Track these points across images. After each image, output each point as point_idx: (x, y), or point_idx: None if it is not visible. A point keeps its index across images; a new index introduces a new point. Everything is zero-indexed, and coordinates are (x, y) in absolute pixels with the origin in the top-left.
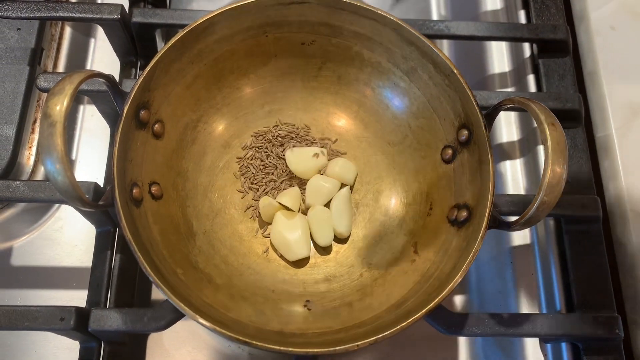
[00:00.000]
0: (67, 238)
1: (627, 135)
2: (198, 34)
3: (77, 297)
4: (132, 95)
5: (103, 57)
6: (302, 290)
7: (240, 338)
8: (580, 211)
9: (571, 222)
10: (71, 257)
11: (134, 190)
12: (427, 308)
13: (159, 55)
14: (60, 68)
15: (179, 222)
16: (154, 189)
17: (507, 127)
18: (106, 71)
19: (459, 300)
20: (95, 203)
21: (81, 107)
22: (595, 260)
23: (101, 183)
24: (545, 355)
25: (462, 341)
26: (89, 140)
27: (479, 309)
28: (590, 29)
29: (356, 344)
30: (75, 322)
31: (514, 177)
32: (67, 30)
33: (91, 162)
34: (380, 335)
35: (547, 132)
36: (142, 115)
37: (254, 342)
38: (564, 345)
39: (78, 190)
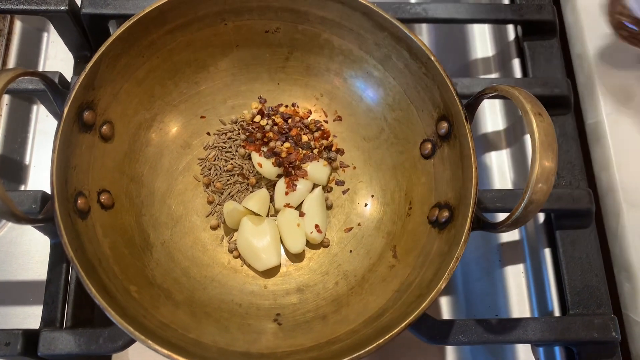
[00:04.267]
0: (22, 250)
1: (619, 121)
2: (147, 24)
3: (34, 314)
4: (73, 95)
5: (57, 52)
6: (272, 302)
7: None
8: (571, 205)
9: (562, 217)
10: (27, 271)
11: (79, 201)
12: (406, 321)
13: (102, 49)
14: (10, 65)
15: (133, 233)
16: (103, 197)
17: (492, 115)
18: (61, 67)
19: (444, 303)
20: (32, 217)
21: (34, 107)
22: (588, 257)
23: None
24: (537, 359)
25: (450, 346)
26: (44, 142)
27: (466, 312)
28: (577, 8)
29: None
30: (23, 347)
31: (500, 169)
32: (17, 24)
33: (47, 167)
34: (356, 355)
35: (534, 123)
36: (86, 117)
37: None
38: (557, 350)
39: (9, 204)
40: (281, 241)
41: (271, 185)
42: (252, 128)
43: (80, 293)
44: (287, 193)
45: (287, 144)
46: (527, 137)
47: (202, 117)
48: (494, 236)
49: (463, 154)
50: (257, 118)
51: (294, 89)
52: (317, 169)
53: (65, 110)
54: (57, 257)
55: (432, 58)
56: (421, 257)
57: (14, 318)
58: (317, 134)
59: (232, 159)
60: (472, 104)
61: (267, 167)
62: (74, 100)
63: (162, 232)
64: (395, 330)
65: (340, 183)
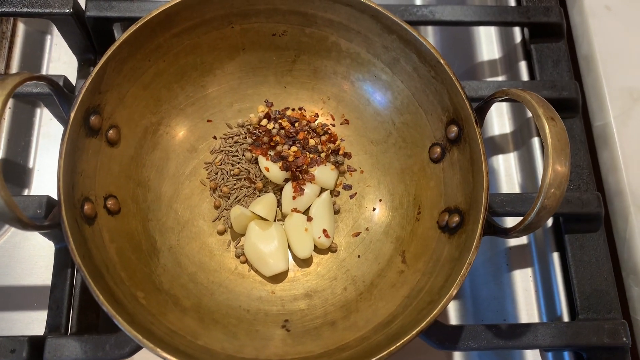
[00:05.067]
0: (26, 255)
1: (627, 123)
2: (154, 28)
3: (38, 320)
4: (79, 99)
5: (60, 55)
6: (280, 308)
7: None
8: (580, 209)
9: (571, 221)
10: (31, 276)
11: (86, 206)
12: (418, 328)
13: (109, 52)
14: (14, 69)
15: (139, 238)
16: (110, 202)
17: (499, 118)
18: (64, 70)
19: (451, 307)
20: (39, 224)
21: (38, 111)
22: (598, 261)
23: None
24: None
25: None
26: (48, 146)
27: (474, 317)
28: (584, 10)
29: None
30: (28, 354)
31: (507, 173)
32: (20, 27)
33: (51, 171)
34: None
35: (547, 127)
36: (92, 121)
37: None
38: (566, 355)
39: (15, 210)
40: (289, 246)
41: (278, 190)
42: (259, 132)
43: (85, 298)
44: (294, 197)
45: (294, 148)
46: (535, 140)
47: (208, 120)
48: (501, 240)
49: (473, 158)
50: (264, 122)
51: (301, 92)
52: (324, 173)
53: (72, 114)
54: (62, 262)
55: (442, 62)
56: (431, 263)
57: (17, 323)
58: (324, 138)
59: (238, 163)
60: (482, 107)
61: (274, 171)
62: (81, 105)
63: (168, 237)
64: (407, 337)
65: (347, 187)
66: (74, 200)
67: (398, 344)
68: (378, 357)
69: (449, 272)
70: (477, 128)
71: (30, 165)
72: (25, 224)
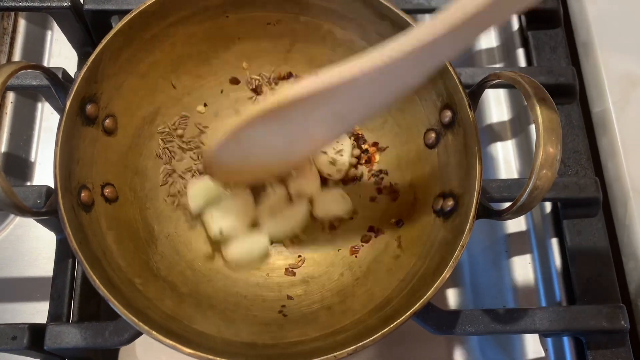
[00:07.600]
0: (29, 246)
1: (626, 109)
2: (148, 18)
3: (41, 310)
4: (75, 88)
5: (61, 49)
6: (278, 294)
7: (203, 355)
8: (578, 194)
9: (569, 206)
10: (33, 267)
11: (83, 194)
12: (412, 310)
13: (103, 42)
14: None
15: (137, 226)
16: (107, 191)
17: (497, 106)
18: (65, 65)
19: (450, 295)
20: (36, 210)
21: (39, 105)
22: (596, 246)
23: None
24: (546, 350)
25: (457, 337)
26: (49, 139)
27: (473, 304)
28: None
29: (334, 354)
30: (29, 341)
31: (505, 159)
32: (21, 23)
33: (52, 163)
34: (360, 344)
35: (538, 108)
36: (89, 110)
37: (218, 359)
38: (565, 340)
39: (12, 196)
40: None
41: None
42: None
43: (86, 288)
44: None
45: None
46: (533, 127)
47: (204, 109)
48: (500, 227)
49: (467, 142)
50: None
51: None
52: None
53: (68, 103)
54: (63, 253)
55: None
56: (426, 247)
57: (21, 314)
58: None
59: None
60: (475, 91)
61: None
62: (77, 93)
63: (166, 225)
64: (401, 319)
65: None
66: (71, 187)
67: (392, 325)
68: (372, 338)
69: (444, 255)
70: (471, 112)
71: (32, 158)
72: (23, 210)
